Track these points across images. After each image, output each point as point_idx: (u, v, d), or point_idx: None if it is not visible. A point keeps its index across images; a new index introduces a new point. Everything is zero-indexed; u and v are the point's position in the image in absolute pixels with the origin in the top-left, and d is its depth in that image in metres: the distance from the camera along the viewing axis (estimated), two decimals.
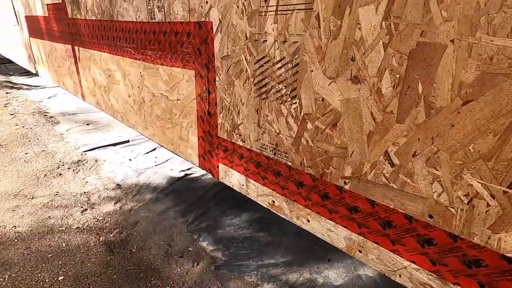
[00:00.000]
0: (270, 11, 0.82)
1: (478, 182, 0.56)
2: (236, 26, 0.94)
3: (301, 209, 0.94)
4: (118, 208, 1.67)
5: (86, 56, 2.12)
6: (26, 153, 2.35)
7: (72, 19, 2.13)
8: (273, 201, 1.03)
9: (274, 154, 0.96)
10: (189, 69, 1.19)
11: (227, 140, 1.13)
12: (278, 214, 1.03)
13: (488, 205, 0.56)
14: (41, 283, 1.12)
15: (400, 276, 0.74)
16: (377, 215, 0.74)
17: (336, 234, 0.86)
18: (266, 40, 0.86)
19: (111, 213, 1.61)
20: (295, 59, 0.80)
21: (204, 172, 1.89)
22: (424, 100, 0.60)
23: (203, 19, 1.05)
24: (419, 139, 0.62)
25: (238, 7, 0.91)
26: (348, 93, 0.72)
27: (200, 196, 1.91)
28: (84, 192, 1.88)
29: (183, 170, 2.20)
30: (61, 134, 2.97)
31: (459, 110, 0.56)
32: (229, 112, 1.08)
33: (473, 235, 0.59)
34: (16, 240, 1.32)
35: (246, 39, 0.92)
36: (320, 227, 0.90)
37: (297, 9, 0.75)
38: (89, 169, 2.31)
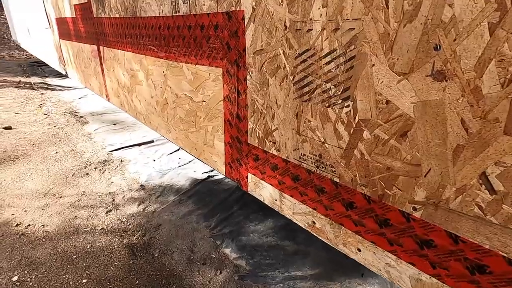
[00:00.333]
0: None
1: None
2: (273, 14, 0.78)
3: (349, 235, 0.77)
4: (141, 210, 1.66)
5: (110, 56, 2.06)
6: (56, 152, 2.44)
7: (97, 18, 2.08)
8: (314, 222, 0.87)
9: (317, 167, 0.80)
10: (216, 67, 1.05)
11: (259, 148, 0.98)
12: (319, 237, 0.86)
13: None
14: (65, 285, 1.12)
15: None
16: (462, 255, 0.56)
17: (398, 271, 0.68)
18: (311, 29, 0.70)
19: (135, 214, 1.59)
20: (350, 51, 0.64)
21: None
22: None
23: (233, 8, 0.91)
24: None
25: None
26: (427, 93, 0.54)
27: (223, 199, 1.83)
28: (109, 193, 1.90)
29: (206, 172, 2.14)
30: (89, 134, 3.07)
31: None
32: (261, 116, 0.93)
33: None
34: (44, 240, 1.34)
35: (285, 29, 0.76)
36: (376, 260, 0.72)
37: None
38: (115, 169, 2.37)
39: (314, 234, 0.88)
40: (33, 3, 4.29)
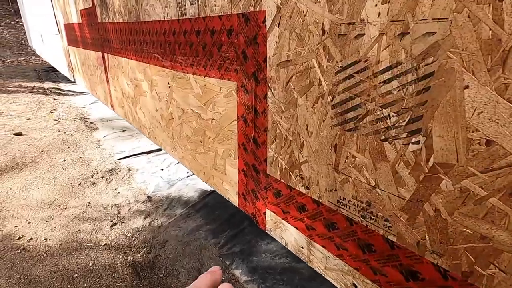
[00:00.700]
0: None
1: None
2: (305, 15, 0.59)
3: None
4: (147, 224, 1.58)
5: (115, 64, 1.91)
6: (64, 160, 2.40)
7: (101, 23, 1.94)
8: (354, 285, 0.66)
9: (363, 217, 0.60)
10: (229, 80, 0.87)
11: (281, 182, 0.78)
12: None
13: None
14: None
15: None
16: None
17: None
18: (362, 34, 0.51)
19: (140, 229, 1.52)
20: (426, 65, 0.44)
21: None
22: None
23: (251, 9, 0.72)
24: None
25: None
26: None
27: (232, 213, 1.72)
28: (115, 204, 1.83)
29: None
30: (98, 141, 3.00)
31: None
32: (285, 144, 0.74)
33: None
34: (45, 255, 1.29)
35: (323, 34, 0.57)
36: None
37: None
38: (122, 178, 2.26)
39: None
40: (45, 9, 4.26)
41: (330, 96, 0.59)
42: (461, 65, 0.40)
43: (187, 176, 2.21)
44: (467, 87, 0.40)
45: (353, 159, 0.58)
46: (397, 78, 0.48)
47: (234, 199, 1.03)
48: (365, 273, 0.63)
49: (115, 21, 1.66)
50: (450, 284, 0.49)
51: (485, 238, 0.43)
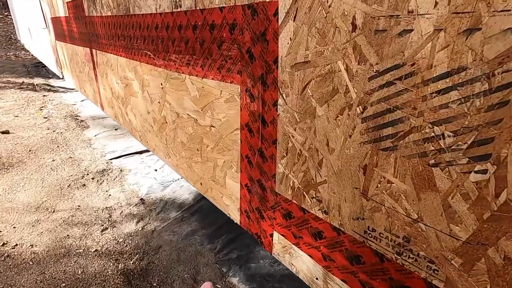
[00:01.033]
0: None
1: None
2: (330, 6, 0.48)
3: None
4: (140, 228, 1.51)
5: (103, 61, 1.77)
6: (53, 160, 2.28)
7: (89, 17, 1.80)
8: None
9: (398, 254, 0.49)
10: (231, 82, 0.75)
11: (293, 203, 0.67)
12: None
13: None
14: None
15: None
16: None
17: None
18: (409, 30, 0.39)
19: (133, 234, 1.45)
20: (504, 72, 0.33)
21: None
22: None
23: (259, 0, 0.60)
24: None
25: None
26: None
27: (229, 217, 1.65)
28: (106, 207, 1.74)
29: None
30: (89, 140, 2.88)
31: None
32: (299, 160, 0.62)
33: None
34: (31, 263, 1.22)
35: (354, 30, 0.46)
36: None
37: None
38: (114, 180, 2.12)
39: None
40: (32, 2, 4.05)
41: (360, 106, 0.48)
42: None
43: (182, 178, 2.11)
44: None
45: (389, 184, 0.47)
46: (458, 88, 0.37)
47: (235, 216, 0.92)
48: None
49: (103, 14, 1.52)
50: None
51: None
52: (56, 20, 2.87)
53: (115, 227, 1.50)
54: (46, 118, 3.24)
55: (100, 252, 1.30)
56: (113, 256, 1.28)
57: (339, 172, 0.55)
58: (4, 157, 2.19)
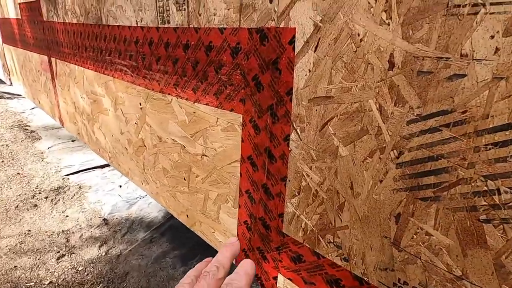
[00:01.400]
0: None
1: None
2: (362, 40, 0.43)
3: None
4: (103, 253, 1.36)
5: (65, 72, 1.58)
6: None
7: (48, 22, 1.60)
8: None
9: None
10: (231, 110, 0.67)
11: (304, 246, 0.61)
12: None
13: None
14: None
15: None
16: None
17: None
18: (461, 75, 0.36)
19: (95, 260, 1.29)
20: None
21: None
22: None
23: (271, 24, 0.54)
24: None
25: None
26: None
27: None
28: (63, 231, 1.53)
29: None
30: (41, 153, 2.60)
31: None
32: (315, 201, 0.56)
33: None
34: None
35: (391, 68, 0.41)
36: None
37: None
38: (71, 198, 2.02)
39: None
40: None
41: (395, 151, 0.44)
42: None
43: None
44: None
45: (427, 236, 0.43)
46: None
47: None
48: None
49: (67, 21, 1.36)
50: None
51: None
52: (4, 21, 2.55)
53: (73, 253, 1.32)
54: None
55: (56, 285, 1.13)
56: None
57: (365, 218, 0.50)
58: None
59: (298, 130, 0.56)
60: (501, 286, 0.38)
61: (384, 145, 0.45)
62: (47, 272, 1.21)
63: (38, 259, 1.29)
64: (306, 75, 0.52)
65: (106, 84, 1.18)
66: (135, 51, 0.94)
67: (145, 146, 1.05)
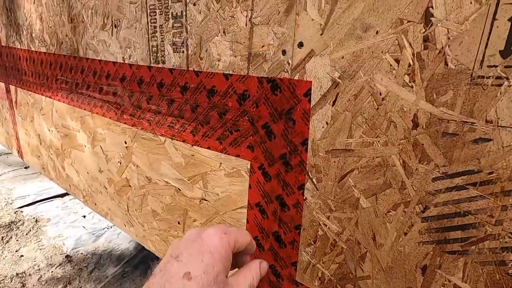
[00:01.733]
0: None
1: None
2: (384, 99, 0.44)
3: None
4: None
5: (28, 102, 1.44)
6: None
7: (7, 47, 1.47)
8: None
9: None
10: (238, 156, 0.65)
11: None
12: None
13: None
14: None
15: None
16: None
17: None
18: (486, 140, 0.38)
19: None
20: None
21: None
22: None
23: (284, 76, 0.54)
24: None
25: (404, 50, 0.42)
26: None
27: None
28: (17, 274, 1.33)
29: None
30: None
31: None
32: (333, 250, 0.56)
33: None
34: None
35: (414, 128, 0.43)
36: None
37: None
38: (26, 234, 1.85)
39: None
40: None
41: (420, 205, 0.45)
42: None
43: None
44: None
45: None
46: None
47: None
48: None
49: (33, 49, 1.25)
50: None
51: None
52: None
53: None
54: None
55: None
56: None
57: (389, 269, 0.50)
58: None
59: (314, 180, 0.55)
60: None
61: (408, 199, 0.46)
62: None
63: None
64: (323, 127, 0.52)
65: (83, 118, 1.09)
66: (120, 88, 0.88)
67: (130, 186, 0.98)
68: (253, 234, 0.68)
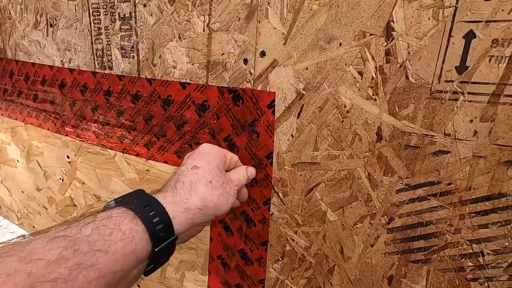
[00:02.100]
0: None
1: None
2: (348, 112, 0.44)
3: None
4: None
5: None
6: None
7: None
8: None
9: None
10: None
11: None
12: None
13: None
14: None
15: None
16: None
17: None
18: (445, 152, 0.39)
19: None
20: None
21: None
22: None
23: (246, 86, 0.51)
24: None
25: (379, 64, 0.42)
26: None
27: None
28: None
29: None
30: None
31: None
32: (301, 265, 0.54)
33: None
34: None
35: (379, 141, 0.43)
36: None
37: None
38: None
39: None
40: None
41: (385, 217, 0.45)
42: None
43: None
44: None
45: None
46: (499, 212, 0.38)
47: None
48: None
49: None
50: None
51: None
52: None
53: None
54: None
55: None
56: None
57: (357, 281, 0.50)
58: None
59: (280, 194, 0.53)
60: None
61: (374, 211, 0.46)
62: None
63: None
64: (288, 140, 0.50)
65: (14, 130, 0.94)
66: (60, 96, 0.77)
67: (75, 205, 0.87)
68: (217, 252, 0.63)
